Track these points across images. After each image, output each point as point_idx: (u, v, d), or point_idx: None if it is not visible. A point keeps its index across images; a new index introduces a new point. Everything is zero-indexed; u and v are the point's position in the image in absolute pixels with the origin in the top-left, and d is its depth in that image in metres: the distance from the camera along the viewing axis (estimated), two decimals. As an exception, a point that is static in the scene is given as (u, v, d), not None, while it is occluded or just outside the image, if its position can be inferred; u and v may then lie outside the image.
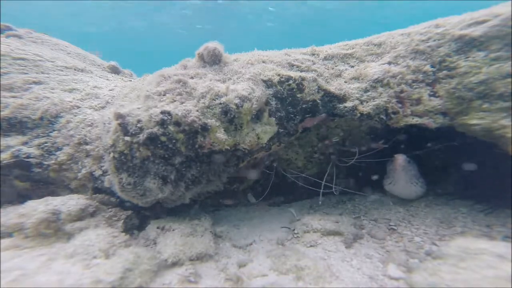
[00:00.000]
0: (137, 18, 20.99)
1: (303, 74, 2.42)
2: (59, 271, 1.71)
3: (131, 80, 4.13)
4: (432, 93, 2.28)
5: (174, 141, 1.98)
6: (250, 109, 2.10)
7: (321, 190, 2.85)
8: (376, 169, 2.91)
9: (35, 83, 3.03)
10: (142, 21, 21.47)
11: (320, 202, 2.91)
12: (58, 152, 2.60)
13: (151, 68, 2.87)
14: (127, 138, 1.95)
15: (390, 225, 2.48)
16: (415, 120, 2.27)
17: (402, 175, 2.60)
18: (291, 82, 2.36)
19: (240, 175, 2.80)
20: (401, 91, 2.32)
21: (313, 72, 2.49)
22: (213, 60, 2.42)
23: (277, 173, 3.07)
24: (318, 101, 2.41)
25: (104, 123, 2.17)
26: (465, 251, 1.67)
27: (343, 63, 2.65)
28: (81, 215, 2.24)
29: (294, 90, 2.37)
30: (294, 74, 2.40)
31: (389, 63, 2.46)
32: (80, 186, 2.56)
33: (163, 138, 1.96)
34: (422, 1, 18.19)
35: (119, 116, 1.97)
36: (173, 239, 2.09)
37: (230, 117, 2.06)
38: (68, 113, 2.82)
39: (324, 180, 2.86)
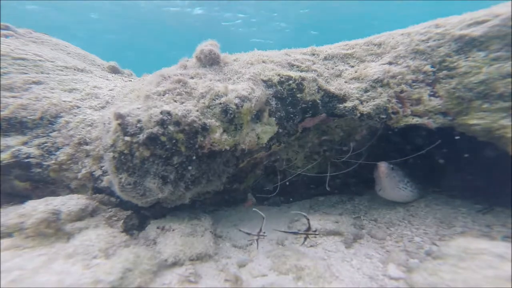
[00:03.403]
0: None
1: (303, 74, 2.41)
2: (59, 271, 1.71)
3: (131, 80, 4.12)
4: (432, 93, 2.28)
5: (174, 141, 1.98)
6: (250, 109, 2.10)
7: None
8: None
9: (35, 83, 3.03)
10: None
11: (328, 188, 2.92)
12: (58, 152, 2.60)
13: (151, 68, 2.86)
14: (127, 138, 1.95)
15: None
16: (415, 120, 2.27)
17: (387, 182, 2.60)
18: (291, 82, 2.36)
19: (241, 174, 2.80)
20: (401, 91, 2.32)
21: (313, 72, 2.49)
22: (211, 62, 2.42)
23: (277, 173, 3.07)
24: (318, 101, 2.41)
25: (104, 123, 2.17)
26: (465, 251, 1.67)
27: (343, 63, 2.65)
28: (81, 215, 2.24)
29: (294, 90, 2.36)
30: (294, 74, 2.40)
31: (389, 63, 2.46)
32: (80, 186, 2.56)
33: (163, 138, 1.96)
34: (423, 1, 18.18)
35: (119, 116, 1.97)
36: (173, 239, 2.09)
37: (230, 117, 2.06)
38: (68, 113, 2.82)
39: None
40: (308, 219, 2.26)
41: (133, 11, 19.26)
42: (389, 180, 2.57)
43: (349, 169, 2.94)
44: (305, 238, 2.27)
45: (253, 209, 2.56)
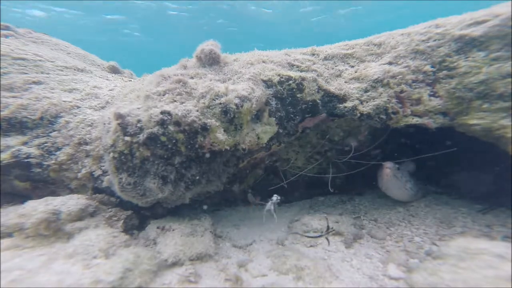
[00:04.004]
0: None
1: (303, 74, 2.41)
2: (59, 271, 1.71)
3: (131, 80, 4.12)
4: (432, 93, 2.28)
5: (174, 141, 1.98)
6: (250, 109, 2.10)
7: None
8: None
9: (35, 83, 3.03)
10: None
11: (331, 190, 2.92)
12: (58, 152, 2.60)
13: (151, 68, 2.87)
14: (127, 138, 1.95)
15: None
16: (415, 120, 2.27)
17: (392, 182, 2.60)
18: (291, 82, 2.36)
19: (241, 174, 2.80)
20: (401, 91, 2.32)
21: (313, 72, 2.49)
22: (211, 62, 2.42)
23: (278, 172, 3.07)
24: (318, 101, 2.41)
25: (104, 123, 2.17)
26: (465, 251, 1.67)
27: (343, 63, 2.65)
28: (81, 215, 2.24)
29: (294, 90, 2.36)
30: (294, 74, 2.40)
31: (389, 63, 2.46)
32: (80, 186, 2.56)
33: (163, 138, 1.96)
34: (422, 1, 18.21)
35: (119, 116, 1.97)
36: (173, 239, 2.09)
37: (230, 117, 2.06)
38: (68, 113, 2.82)
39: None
40: (327, 218, 2.26)
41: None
42: (395, 179, 2.58)
43: (357, 170, 2.94)
44: (328, 240, 2.26)
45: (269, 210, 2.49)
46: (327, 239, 2.25)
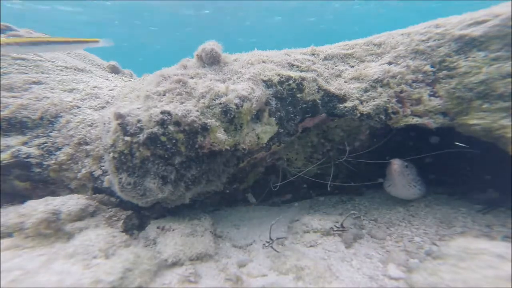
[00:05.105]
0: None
1: (303, 74, 2.41)
2: (59, 271, 1.71)
3: (131, 80, 4.12)
4: (432, 93, 2.28)
5: (174, 141, 1.98)
6: (250, 109, 2.10)
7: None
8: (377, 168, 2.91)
9: (35, 83, 3.03)
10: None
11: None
12: (58, 152, 2.60)
13: (151, 68, 2.87)
14: (127, 138, 1.95)
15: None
16: (415, 120, 2.27)
17: (399, 180, 2.58)
18: (291, 82, 2.36)
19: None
20: (401, 91, 2.32)
21: (313, 72, 2.49)
22: (212, 61, 2.42)
23: (278, 173, 3.07)
24: (318, 101, 2.41)
25: (104, 123, 2.17)
26: (465, 251, 1.67)
27: (343, 63, 2.65)
28: (81, 215, 2.24)
29: (294, 90, 2.37)
30: (294, 74, 2.40)
31: (389, 63, 2.46)
32: (80, 186, 2.56)
33: (163, 138, 1.96)
34: (420, 1, 18.22)
35: (119, 116, 1.97)
36: (173, 239, 2.09)
37: (230, 117, 2.06)
38: (68, 113, 2.82)
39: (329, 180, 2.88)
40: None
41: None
42: (402, 177, 2.56)
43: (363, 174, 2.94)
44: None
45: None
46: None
